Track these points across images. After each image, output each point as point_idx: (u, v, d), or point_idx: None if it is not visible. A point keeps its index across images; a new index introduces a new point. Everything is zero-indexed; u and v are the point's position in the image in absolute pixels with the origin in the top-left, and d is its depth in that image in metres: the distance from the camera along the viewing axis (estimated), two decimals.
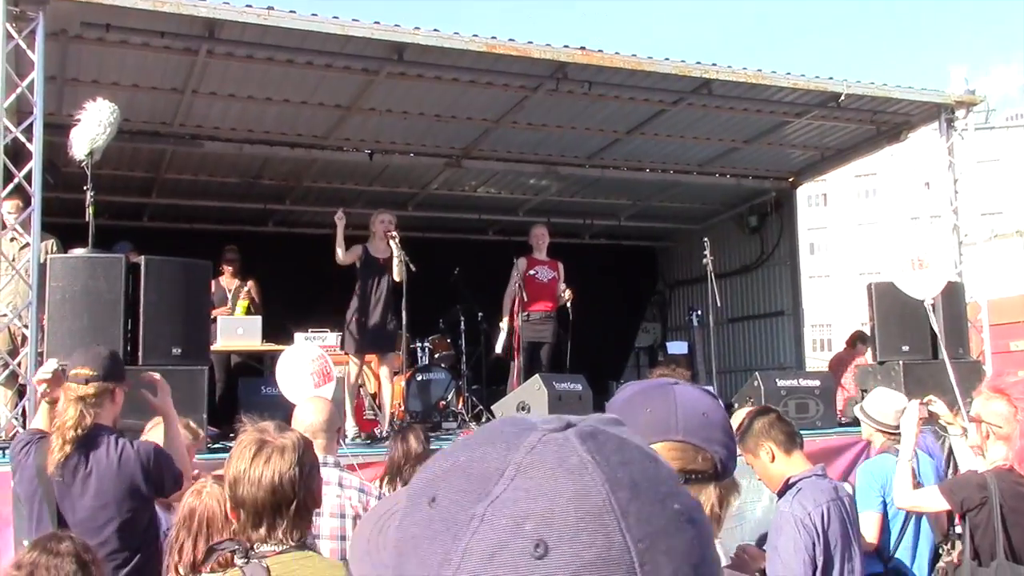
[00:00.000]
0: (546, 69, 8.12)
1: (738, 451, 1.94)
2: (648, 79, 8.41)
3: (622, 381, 10.20)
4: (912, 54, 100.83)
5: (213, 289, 7.99)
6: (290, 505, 2.19)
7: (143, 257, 6.09)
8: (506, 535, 0.59)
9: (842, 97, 8.85)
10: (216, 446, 6.12)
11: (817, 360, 18.55)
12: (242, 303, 8.94)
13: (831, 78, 8.75)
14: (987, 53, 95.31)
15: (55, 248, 6.83)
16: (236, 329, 8.36)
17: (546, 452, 0.63)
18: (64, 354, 4.68)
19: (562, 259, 9.16)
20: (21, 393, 6.25)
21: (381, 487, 4.13)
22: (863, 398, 6.17)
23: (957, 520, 3.74)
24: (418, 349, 9.55)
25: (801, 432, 3.69)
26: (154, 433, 4.00)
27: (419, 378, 8.89)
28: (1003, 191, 41.42)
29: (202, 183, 10.88)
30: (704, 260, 8.58)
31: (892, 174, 45.12)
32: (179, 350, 5.96)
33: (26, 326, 6.01)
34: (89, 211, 5.82)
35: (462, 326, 9.59)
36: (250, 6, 6.70)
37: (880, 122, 9.91)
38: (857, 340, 10.17)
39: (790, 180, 12.30)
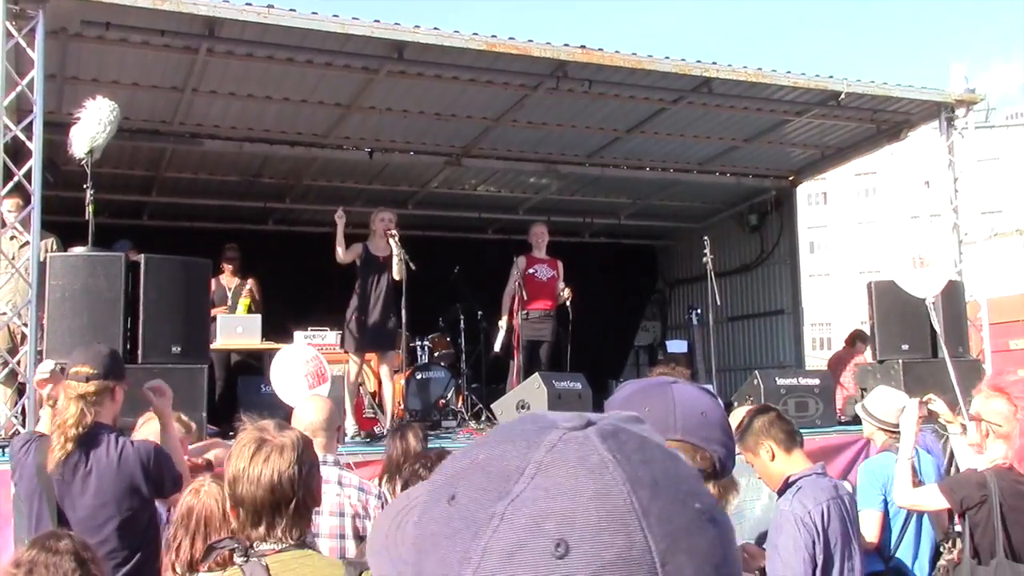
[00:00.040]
0: (546, 67, 8.11)
1: (737, 450, 1.94)
2: (648, 78, 8.41)
3: (622, 380, 10.18)
4: (912, 52, 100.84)
5: (213, 288, 7.99)
6: (289, 504, 2.19)
7: (143, 255, 6.08)
8: (526, 534, 0.59)
9: (842, 96, 8.84)
10: None
11: (816, 359, 18.56)
12: (244, 301, 8.94)
13: (831, 77, 8.75)
14: (987, 51, 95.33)
15: (55, 246, 6.83)
16: (236, 328, 8.35)
17: (567, 451, 0.63)
18: (64, 352, 4.69)
19: (562, 258, 9.16)
20: (21, 391, 6.24)
21: (380, 485, 4.13)
22: (863, 397, 6.18)
23: (957, 519, 3.74)
24: (418, 347, 9.54)
25: (801, 431, 3.69)
26: (145, 430, 3.99)
27: (419, 377, 8.89)
28: (1003, 190, 41.38)
29: (202, 181, 10.87)
30: (704, 259, 8.58)
31: (892, 173, 45.12)
32: (179, 348, 5.96)
33: (26, 324, 6.00)
34: (89, 209, 5.82)
35: (462, 325, 9.59)
36: (250, 4, 6.69)
37: (880, 121, 9.91)
38: (856, 339, 10.17)
39: (790, 179, 12.30)
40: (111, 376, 3.66)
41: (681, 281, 14.39)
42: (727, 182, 12.07)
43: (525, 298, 8.51)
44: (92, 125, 5.83)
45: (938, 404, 4.58)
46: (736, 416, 3.86)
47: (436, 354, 9.63)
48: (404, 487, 3.24)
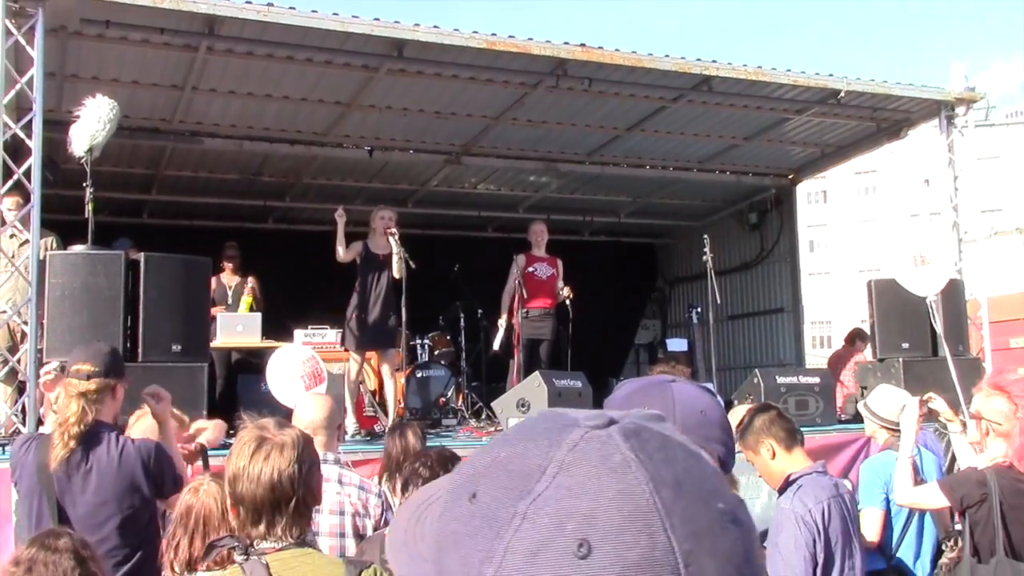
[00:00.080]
0: (546, 66, 8.10)
1: (737, 448, 1.94)
2: (648, 76, 8.40)
3: (622, 378, 10.20)
4: (912, 51, 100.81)
5: (213, 286, 7.99)
6: (289, 502, 2.19)
7: (143, 254, 6.09)
8: (549, 534, 0.59)
9: (842, 94, 8.84)
10: None
11: (816, 357, 18.59)
12: (246, 299, 8.94)
13: (831, 75, 8.75)
14: (987, 50, 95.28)
15: (55, 245, 6.82)
16: (236, 326, 8.35)
17: (589, 450, 0.62)
18: (64, 351, 4.69)
19: (562, 256, 9.16)
20: (21, 390, 6.24)
21: (380, 484, 4.13)
22: (863, 395, 6.18)
23: (957, 517, 3.74)
24: (418, 346, 9.55)
25: (801, 429, 3.69)
26: (138, 427, 3.98)
27: (419, 375, 8.90)
28: (1003, 188, 41.41)
29: (202, 180, 10.87)
30: (704, 257, 8.58)
31: (892, 171, 45.13)
32: (179, 347, 5.96)
33: (26, 323, 6.00)
34: (89, 208, 5.82)
35: (462, 323, 9.59)
36: (250, 2, 6.69)
37: (880, 119, 9.90)
38: (856, 337, 10.18)
39: (790, 177, 12.29)
40: (112, 374, 3.66)
41: (681, 279, 14.39)
42: (727, 180, 12.06)
43: (525, 296, 8.50)
44: (92, 123, 5.83)
45: (938, 402, 4.57)
46: (736, 414, 3.86)
47: (436, 352, 9.63)
48: (404, 485, 3.24)
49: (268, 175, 10.85)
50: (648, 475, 0.60)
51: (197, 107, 8.79)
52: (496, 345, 8.82)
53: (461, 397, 8.94)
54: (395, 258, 7.48)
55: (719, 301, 9.12)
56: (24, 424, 5.74)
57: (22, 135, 5.99)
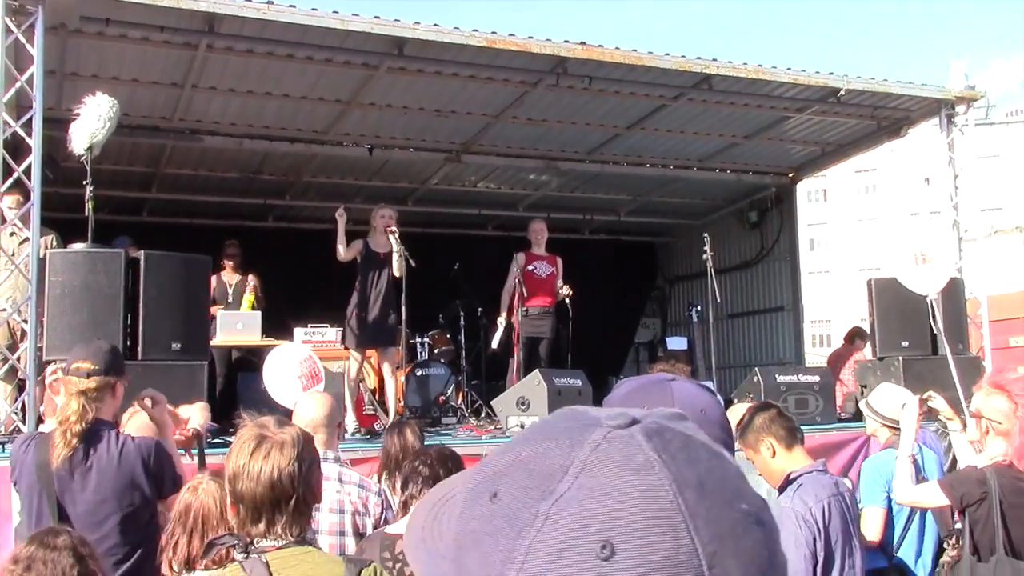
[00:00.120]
0: (546, 64, 8.10)
1: (737, 447, 1.94)
2: (648, 74, 8.39)
3: (621, 376, 10.20)
4: (913, 49, 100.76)
5: (214, 284, 7.99)
6: (289, 500, 2.19)
7: (143, 252, 6.08)
8: (571, 535, 0.58)
9: (842, 92, 8.83)
10: (216, 441, 6.11)
11: (816, 356, 18.60)
12: (248, 298, 8.94)
13: (831, 73, 8.74)
14: (987, 48, 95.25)
15: (55, 243, 6.82)
16: (236, 324, 8.34)
17: (611, 450, 0.61)
18: (64, 349, 4.69)
19: (562, 254, 9.16)
20: (21, 388, 6.24)
21: (379, 482, 4.13)
22: (863, 394, 6.18)
23: (957, 516, 3.74)
24: (418, 344, 9.55)
25: (801, 427, 3.69)
26: (131, 424, 3.98)
27: (418, 373, 8.89)
28: (1003, 187, 41.41)
29: (202, 178, 10.86)
30: (704, 256, 8.58)
31: (892, 170, 45.14)
32: (179, 345, 5.95)
33: (25, 321, 6.00)
34: (89, 206, 5.81)
35: (462, 321, 9.59)
36: (250, 0, 6.68)
37: (880, 118, 9.90)
38: (855, 336, 10.18)
39: (790, 175, 12.29)
40: (112, 372, 3.65)
41: (681, 278, 14.38)
42: (727, 179, 12.06)
43: (524, 295, 8.50)
44: (92, 121, 5.82)
45: (938, 401, 4.57)
46: (736, 413, 3.86)
47: (436, 351, 9.64)
48: (403, 484, 3.24)
49: (268, 173, 10.84)
50: (671, 476, 0.60)
51: (197, 105, 8.79)
52: (495, 343, 8.82)
53: (461, 395, 8.93)
54: (395, 256, 7.48)
55: (719, 300, 9.12)
56: (24, 422, 5.74)
57: (22, 133, 5.99)
